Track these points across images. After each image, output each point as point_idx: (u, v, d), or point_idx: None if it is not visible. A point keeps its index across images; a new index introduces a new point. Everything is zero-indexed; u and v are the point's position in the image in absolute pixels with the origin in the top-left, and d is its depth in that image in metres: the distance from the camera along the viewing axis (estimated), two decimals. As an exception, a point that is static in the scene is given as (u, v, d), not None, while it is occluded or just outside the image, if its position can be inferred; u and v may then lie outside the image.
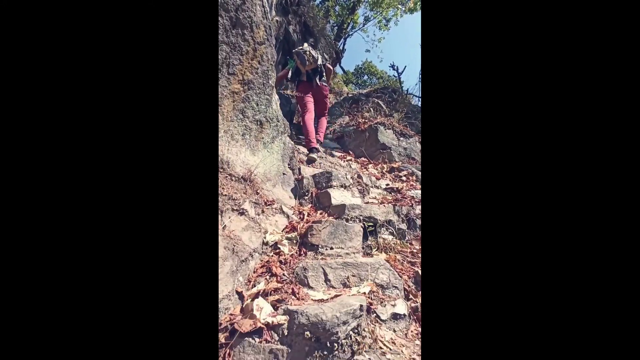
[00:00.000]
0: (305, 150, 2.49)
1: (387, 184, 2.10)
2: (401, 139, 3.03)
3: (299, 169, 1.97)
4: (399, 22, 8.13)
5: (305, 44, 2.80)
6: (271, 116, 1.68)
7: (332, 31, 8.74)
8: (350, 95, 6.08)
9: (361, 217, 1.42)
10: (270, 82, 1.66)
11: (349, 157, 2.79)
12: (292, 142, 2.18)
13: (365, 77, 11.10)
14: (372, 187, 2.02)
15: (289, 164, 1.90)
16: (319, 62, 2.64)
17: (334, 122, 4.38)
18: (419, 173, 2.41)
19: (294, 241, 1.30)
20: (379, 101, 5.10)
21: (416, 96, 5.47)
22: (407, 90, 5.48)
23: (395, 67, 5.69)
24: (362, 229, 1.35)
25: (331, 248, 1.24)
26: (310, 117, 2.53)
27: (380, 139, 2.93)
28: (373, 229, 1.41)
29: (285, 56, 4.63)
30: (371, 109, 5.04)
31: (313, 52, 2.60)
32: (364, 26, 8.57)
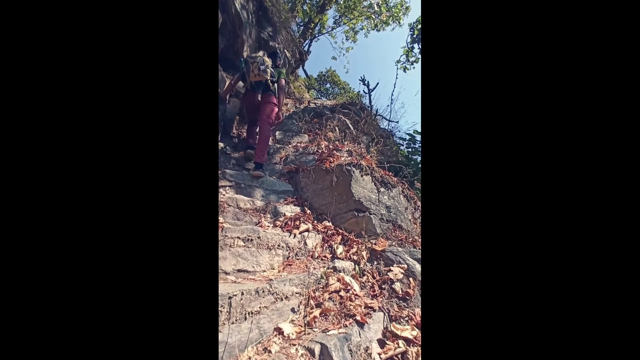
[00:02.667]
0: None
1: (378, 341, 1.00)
2: (382, 189, 2.02)
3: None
4: (368, 35, 7.31)
5: (261, 52, 2.34)
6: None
7: (298, 29, 7.56)
8: (312, 105, 4.95)
9: None
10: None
11: (302, 222, 1.61)
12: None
13: (328, 85, 10.25)
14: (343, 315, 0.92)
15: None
16: (268, 76, 2.21)
17: (289, 141, 3.18)
18: (419, 268, 1.41)
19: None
20: (346, 120, 4.12)
21: (386, 119, 4.67)
22: (377, 111, 4.66)
23: (366, 82, 4.83)
24: None
25: None
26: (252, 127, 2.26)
27: (355, 192, 1.85)
28: None
29: (226, 38, 3.22)
30: (336, 128, 4.02)
31: (262, 65, 2.19)
32: (332, 30, 7.61)
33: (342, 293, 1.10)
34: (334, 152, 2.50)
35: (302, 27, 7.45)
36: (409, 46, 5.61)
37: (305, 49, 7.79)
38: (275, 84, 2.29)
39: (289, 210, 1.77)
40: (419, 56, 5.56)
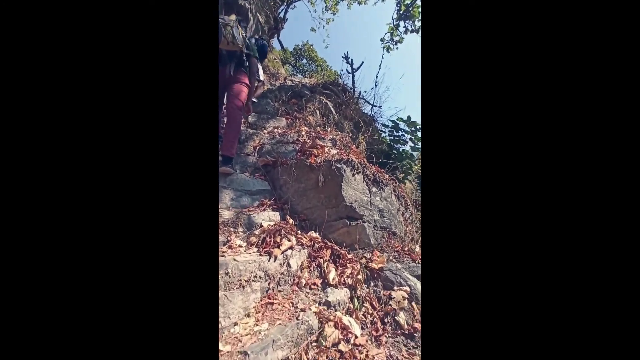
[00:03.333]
0: None
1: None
2: (373, 189, 1.76)
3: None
4: (351, 6, 6.70)
5: (233, 16, 1.75)
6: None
7: (272, -10, 6.55)
8: (288, 83, 4.38)
9: None
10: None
11: (284, 237, 1.29)
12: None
13: (305, 61, 9.45)
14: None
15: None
16: (243, 47, 1.69)
17: (263, 125, 2.71)
18: (419, 289, 1.21)
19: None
20: (328, 102, 3.72)
21: (369, 103, 4.35)
22: (360, 94, 4.30)
23: (350, 60, 4.36)
24: None
25: None
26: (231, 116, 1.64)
27: (347, 195, 1.56)
28: None
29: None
30: (317, 111, 3.61)
31: (236, 30, 1.63)
32: (312, -4, 6.77)
33: (342, 346, 0.84)
34: (317, 140, 2.15)
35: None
36: (394, 23, 5.20)
37: (281, 15, 6.89)
38: (247, 62, 1.79)
39: (267, 218, 1.43)
40: (404, 36, 5.18)
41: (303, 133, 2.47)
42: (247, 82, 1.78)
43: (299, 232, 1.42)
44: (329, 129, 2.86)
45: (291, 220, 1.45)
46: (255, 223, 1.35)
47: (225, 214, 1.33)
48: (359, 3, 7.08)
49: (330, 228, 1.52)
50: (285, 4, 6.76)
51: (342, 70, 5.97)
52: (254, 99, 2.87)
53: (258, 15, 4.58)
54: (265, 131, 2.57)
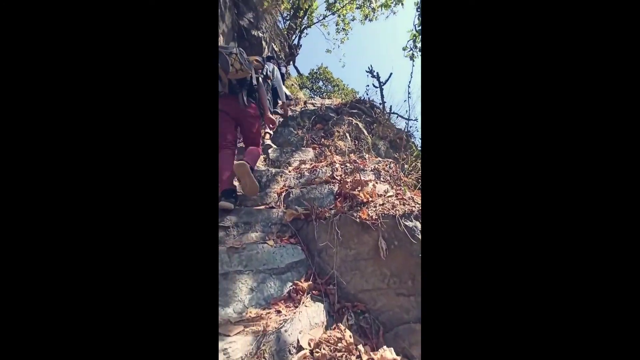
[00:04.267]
0: None
1: None
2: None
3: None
4: (364, 22, 6.43)
5: (232, 43, 1.75)
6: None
7: (285, 20, 6.60)
8: (310, 107, 4.03)
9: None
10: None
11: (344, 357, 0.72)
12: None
13: (321, 83, 9.34)
14: None
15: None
16: (250, 68, 1.51)
17: (288, 160, 2.27)
18: None
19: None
20: (358, 122, 3.23)
21: (403, 117, 3.77)
22: (391, 109, 3.76)
23: (375, 74, 3.91)
24: None
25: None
26: (226, 150, 1.43)
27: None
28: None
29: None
30: (347, 134, 3.12)
31: (241, 57, 1.46)
32: (324, 19, 6.67)
33: None
34: (358, 176, 1.60)
35: (288, 18, 6.51)
36: (417, 29, 4.71)
37: (295, 42, 6.86)
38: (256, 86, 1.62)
39: (308, 324, 0.87)
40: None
41: (337, 165, 1.96)
42: (255, 115, 1.62)
43: (361, 347, 0.83)
44: (367, 155, 2.31)
45: (348, 334, 0.86)
46: (287, 343, 0.80)
47: (233, 316, 0.80)
48: (370, 20, 6.85)
49: (407, 332, 0.91)
50: (298, 31, 6.75)
51: (367, 86, 5.52)
52: (268, 131, 2.53)
53: (272, 44, 4.42)
54: (290, 168, 2.10)
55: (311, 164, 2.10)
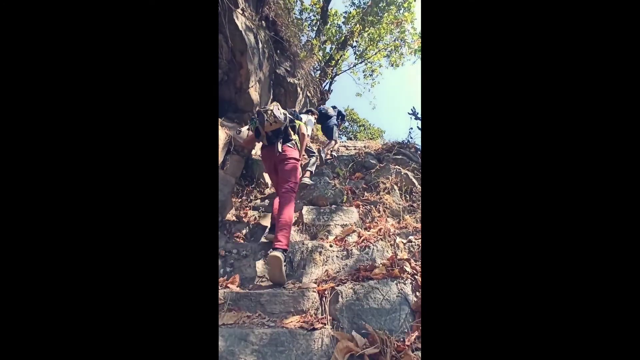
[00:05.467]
0: None
1: None
2: None
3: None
4: (389, 68, 6.37)
5: (274, 104, 1.68)
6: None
7: (319, 67, 6.88)
8: (345, 151, 3.67)
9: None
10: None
11: None
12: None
13: (347, 124, 9.34)
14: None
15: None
16: (283, 119, 1.62)
17: (327, 226, 1.76)
18: None
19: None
20: (407, 172, 2.71)
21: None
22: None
23: (416, 114, 3.53)
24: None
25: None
26: (284, 198, 1.47)
27: None
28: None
29: (223, 70, 2.15)
30: (394, 187, 2.61)
31: (276, 111, 1.61)
32: (354, 67, 6.81)
33: None
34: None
35: (320, 68, 6.75)
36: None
37: (327, 87, 7.02)
38: (296, 134, 1.71)
39: None
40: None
41: (398, 240, 1.40)
42: (297, 156, 1.64)
43: None
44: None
45: None
46: None
47: None
48: (395, 66, 6.86)
49: None
50: (330, 77, 6.95)
51: (411, 128, 5.14)
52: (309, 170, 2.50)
53: (307, 90, 4.37)
54: (330, 239, 1.59)
55: (359, 235, 1.57)
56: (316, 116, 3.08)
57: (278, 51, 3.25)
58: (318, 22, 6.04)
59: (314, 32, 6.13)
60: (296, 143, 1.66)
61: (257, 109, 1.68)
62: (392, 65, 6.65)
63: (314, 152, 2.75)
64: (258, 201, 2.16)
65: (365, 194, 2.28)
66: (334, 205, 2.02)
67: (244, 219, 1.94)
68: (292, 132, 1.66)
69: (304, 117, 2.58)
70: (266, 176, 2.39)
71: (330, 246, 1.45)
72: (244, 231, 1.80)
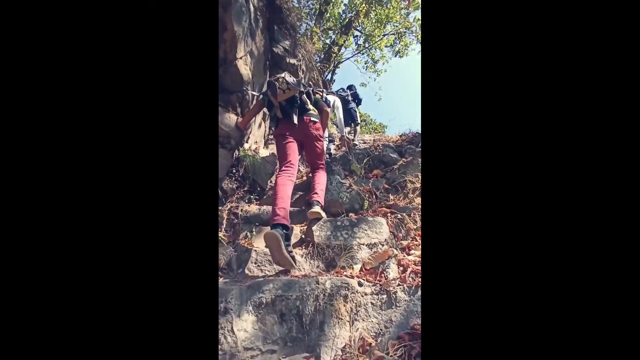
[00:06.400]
0: None
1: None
2: None
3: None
4: (389, 61, 5.89)
5: (286, 73, 1.46)
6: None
7: (319, 56, 6.29)
8: (360, 144, 3.08)
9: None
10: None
11: None
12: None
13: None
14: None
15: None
16: (297, 85, 1.43)
17: (350, 240, 1.26)
18: None
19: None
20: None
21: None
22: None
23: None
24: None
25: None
26: (283, 177, 1.29)
27: None
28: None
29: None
30: (418, 185, 2.10)
31: (288, 78, 1.44)
32: (358, 54, 6.22)
33: None
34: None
35: (324, 53, 6.16)
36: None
37: (328, 77, 6.44)
38: (307, 99, 1.44)
39: None
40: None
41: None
42: (321, 132, 1.47)
43: None
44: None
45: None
46: None
47: None
48: (400, 56, 6.29)
49: None
50: (332, 65, 6.36)
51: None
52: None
53: (309, 75, 3.81)
54: (351, 272, 1.05)
55: (400, 262, 1.04)
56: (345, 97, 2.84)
57: (275, 26, 2.69)
58: (320, 6, 5.44)
59: (314, 20, 5.54)
60: (315, 115, 1.46)
61: (268, 80, 1.46)
62: (396, 55, 6.09)
63: (332, 138, 2.46)
64: (253, 208, 1.61)
65: (390, 197, 1.76)
66: (353, 215, 1.49)
67: (228, 241, 1.36)
68: (308, 102, 1.45)
69: (330, 98, 2.34)
70: (263, 181, 1.84)
71: (360, 284, 0.93)
72: (227, 259, 1.24)
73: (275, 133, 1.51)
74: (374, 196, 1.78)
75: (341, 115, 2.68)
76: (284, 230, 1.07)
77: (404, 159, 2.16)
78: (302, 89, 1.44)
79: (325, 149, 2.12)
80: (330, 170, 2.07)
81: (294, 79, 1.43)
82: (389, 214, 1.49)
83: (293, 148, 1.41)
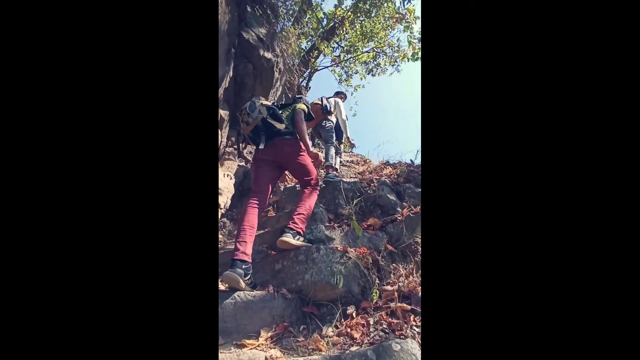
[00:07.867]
0: None
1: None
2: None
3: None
4: (365, 78, 5.68)
5: (258, 98, 1.41)
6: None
7: (297, 58, 5.66)
8: (346, 177, 2.44)
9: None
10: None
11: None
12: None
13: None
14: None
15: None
16: (257, 113, 1.34)
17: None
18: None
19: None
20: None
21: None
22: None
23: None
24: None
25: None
26: (248, 206, 1.23)
27: None
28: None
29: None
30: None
31: (250, 106, 1.35)
32: (339, 63, 5.81)
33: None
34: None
35: (300, 57, 5.55)
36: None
37: (304, 83, 5.85)
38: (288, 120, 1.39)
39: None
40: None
41: None
42: (299, 145, 1.36)
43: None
44: None
45: None
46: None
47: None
48: (373, 75, 6.15)
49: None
50: (309, 71, 5.80)
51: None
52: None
53: (285, 77, 3.13)
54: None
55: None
56: (343, 98, 2.56)
57: (248, 5, 1.99)
58: (299, 8, 4.84)
59: (291, 21, 4.91)
60: (290, 132, 1.36)
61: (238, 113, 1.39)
62: (369, 73, 5.84)
63: (331, 141, 2.26)
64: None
65: (401, 269, 1.21)
66: (358, 320, 0.88)
67: None
68: (275, 123, 1.34)
69: (331, 100, 2.28)
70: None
71: None
72: None
73: (252, 160, 1.48)
74: (375, 269, 1.21)
75: (344, 117, 2.41)
76: (243, 266, 1.06)
77: (405, 205, 1.66)
78: (264, 115, 1.33)
79: (322, 157, 1.94)
80: (314, 219, 1.43)
81: (262, 103, 1.36)
82: (414, 319, 0.92)
83: (263, 174, 1.35)
